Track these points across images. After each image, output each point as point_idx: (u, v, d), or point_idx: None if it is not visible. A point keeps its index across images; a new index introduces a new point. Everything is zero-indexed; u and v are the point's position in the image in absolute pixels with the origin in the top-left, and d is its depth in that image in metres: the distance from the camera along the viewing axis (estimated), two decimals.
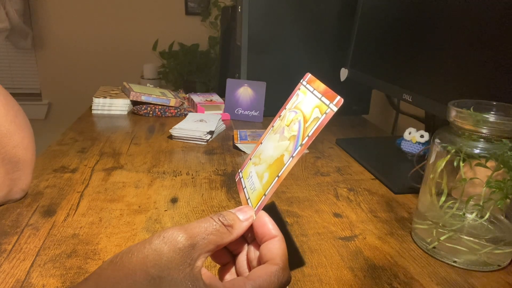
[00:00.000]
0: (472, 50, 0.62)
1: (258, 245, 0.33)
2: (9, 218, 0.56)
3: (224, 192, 0.67)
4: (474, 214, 0.48)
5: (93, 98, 1.14)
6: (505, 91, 0.55)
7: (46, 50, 2.91)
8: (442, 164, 0.49)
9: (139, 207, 0.61)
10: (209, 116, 1.03)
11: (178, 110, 1.14)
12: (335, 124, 1.11)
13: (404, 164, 0.80)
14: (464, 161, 0.47)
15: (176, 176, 0.73)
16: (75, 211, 0.59)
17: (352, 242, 0.54)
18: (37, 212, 0.58)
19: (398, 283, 0.46)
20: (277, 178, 0.34)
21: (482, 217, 0.48)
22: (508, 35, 0.55)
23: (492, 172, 0.45)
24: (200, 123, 0.96)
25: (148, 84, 1.40)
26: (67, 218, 0.57)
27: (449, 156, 0.48)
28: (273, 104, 1.09)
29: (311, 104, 0.36)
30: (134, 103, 1.17)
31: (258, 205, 0.34)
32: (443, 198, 0.50)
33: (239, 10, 1.11)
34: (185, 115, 1.14)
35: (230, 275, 0.35)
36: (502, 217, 0.49)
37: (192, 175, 0.74)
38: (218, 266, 0.37)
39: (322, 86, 0.36)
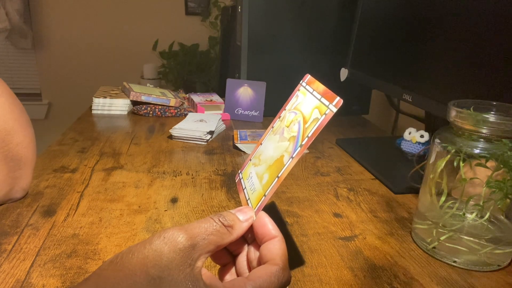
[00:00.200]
0: (472, 50, 0.62)
1: (258, 246, 0.33)
2: (9, 218, 0.56)
3: (224, 192, 0.67)
4: (474, 214, 0.48)
5: (93, 98, 1.14)
6: (505, 91, 0.55)
7: (46, 50, 2.91)
8: (442, 164, 0.49)
9: (139, 207, 0.61)
10: (209, 116, 1.03)
11: (178, 110, 1.14)
12: (335, 124, 1.11)
13: (404, 164, 0.80)
14: (464, 161, 0.47)
15: (176, 176, 0.73)
16: (75, 211, 0.59)
17: (352, 242, 0.54)
18: (37, 212, 0.58)
19: (398, 283, 0.46)
20: (277, 178, 0.34)
21: (482, 217, 0.48)
22: (508, 35, 0.55)
23: (492, 172, 0.45)
24: (200, 123, 0.96)
25: (148, 84, 1.40)
26: (67, 218, 0.57)
27: (449, 156, 0.48)
28: (273, 104, 1.09)
29: (310, 105, 0.36)
30: (134, 103, 1.17)
31: (258, 205, 0.34)
32: (443, 198, 0.50)
33: (239, 10, 1.11)
34: (185, 115, 1.14)
35: (230, 276, 0.35)
36: (502, 217, 0.49)
37: (192, 175, 0.74)
38: (218, 266, 0.37)
39: (321, 87, 0.36)
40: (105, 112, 1.14)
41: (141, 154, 0.83)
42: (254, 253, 0.34)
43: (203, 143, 0.92)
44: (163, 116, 1.14)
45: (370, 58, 0.95)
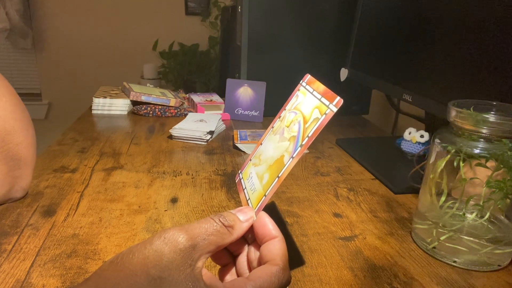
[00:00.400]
0: (472, 50, 0.62)
1: (258, 246, 0.33)
2: (9, 218, 0.56)
3: (224, 192, 0.67)
4: (474, 214, 0.48)
5: (93, 98, 1.14)
6: (505, 91, 0.55)
7: (46, 50, 2.91)
8: (442, 164, 0.49)
9: (139, 207, 0.61)
10: (209, 116, 1.03)
11: (178, 110, 1.14)
12: (335, 124, 1.11)
13: (404, 164, 0.80)
14: (464, 161, 0.47)
15: (176, 176, 0.73)
16: (75, 211, 0.59)
17: (352, 242, 0.54)
18: (37, 212, 0.58)
19: (398, 283, 0.46)
20: (277, 178, 0.34)
21: (482, 217, 0.48)
22: (509, 35, 0.55)
23: (492, 172, 0.45)
24: (200, 123, 0.96)
25: (148, 84, 1.40)
26: (67, 218, 0.57)
27: (449, 156, 0.48)
28: (273, 104, 1.09)
29: (310, 104, 0.36)
30: (134, 103, 1.17)
31: (258, 205, 0.34)
32: (443, 198, 0.50)
33: (239, 10, 1.11)
34: (185, 115, 1.14)
35: (231, 276, 0.35)
36: (502, 217, 0.49)
37: (192, 175, 0.74)
38: (218, 266, 0.37)
39: (321, 87, 0.36)
40: (105, 112, 1.14)
41: (141, 154, 0.83)
42: (254, 253, 0.34)
43: (203, 143, 0.92)
44: (163, 116, 1.14)
45: (370, 58, 0.95)
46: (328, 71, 1.15)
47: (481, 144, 0.46)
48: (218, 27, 2.90)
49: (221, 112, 1.15)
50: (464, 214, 0.49)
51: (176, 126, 0.93)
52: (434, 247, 0.51)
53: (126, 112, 1.15)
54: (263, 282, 0.29)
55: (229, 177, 0.74)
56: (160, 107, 1.14)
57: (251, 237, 0.35)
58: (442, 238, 0.49)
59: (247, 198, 0.37)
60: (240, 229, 0.32)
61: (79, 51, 2.94)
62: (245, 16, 1.08)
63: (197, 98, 1.21)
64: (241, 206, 0.36)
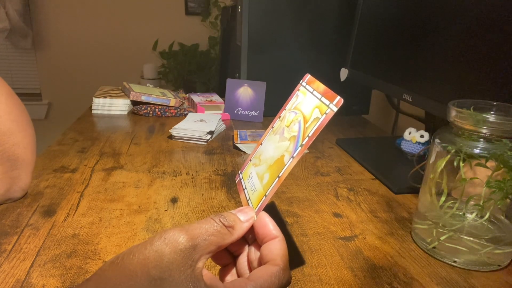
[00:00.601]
0: (472, 50, 0.62)
1: (258, 246, 0.33)
2: (9, 218, 0.56)
3: (224, 192, 0.67)
4: (474, 214, 0.48)
5: (93, 98, 1.14)
6: (505, 91, 0.55)
7: (46, 50, 2.91)
8: (442, 164, 0.49)
9: (139, 207, 0.61)
10: (209, 116, 1.03)
11: (178, 110, 1.14)
12: (335, 124, 1.11)
13: (404, 164, 0.80)
14: (464, 161, 0.47)
15: (176, 176, 0.73)
16: (75, 211, 0.59)
17: (352, 242, 0.54)
18: (37, 212, 0.58)
19: (398, 283, 0.46)
20: (277, 178, 0.34)
21: (482, 217, 0.48)
22: (508, 35, 0.55)
23: (492, 172, 0.45)
24: (200, 123, 0.96)
25: (148, 84, 1.40)
26: (67, 218, 0.57)
27: (449, 156, 0.48)
28: (273, 104, 1.08)
29: (311, 104, 0.36)
30: (134, 103, 1.17)
31: (258, 206, 0.34)
32: (443, 198, 0.50)
33: (239, 10, 1.11)
34: (185, 115, 1.14)
35: (231, 276, 0.35)
36: (502, 217, 0.49)
37: (192, 175, 0.74)
38: (218, 267, 0.37)
39: (321, 86, 0.36)
40: (105, 112, 1.14)
41: (141, 154, 0.83)
42: (254, 254, 0.34)
43: (203, 143, 0.92)
44: (163, 116, 1.14)
45: (370, 58, 0.95)
46: (328, 71, 1.15)
47: (481, 144, 0.46)
48: (218, 27, 2.90)
49: (221, 112, 1.15)
50: (464, 214, 0.49)
51: (176, 126, 0.93)
52: (434, 247, 0.51)
53: (126, 112, 1.15)
54: (263, 282, 0.29)
55: (229, 177, 0.74)
56: (160, 107, 1.14)
57: (251, 237, 0.35)
58: (442, 238, 0.49)
59: (248, 198, 0.37)
60: (240, 229, 0.32)
61: (79, 51, 2.94)
62: (245, 16, 1.08)
63: (197, 98, 1.21)
64: (242, 206, 0.36)
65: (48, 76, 2.97)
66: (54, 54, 2.92)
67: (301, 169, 0.79)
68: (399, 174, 0.74)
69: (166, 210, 0.60)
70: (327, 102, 0.33)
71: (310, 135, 0.33)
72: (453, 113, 0.48)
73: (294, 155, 0.34)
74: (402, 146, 0.84)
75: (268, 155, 0.38)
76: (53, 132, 1.63)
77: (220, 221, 0.31)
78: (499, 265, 0.48)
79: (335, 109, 0.32)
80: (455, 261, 0.49)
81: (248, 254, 0.35)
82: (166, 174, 0.74)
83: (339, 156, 0.87)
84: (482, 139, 0.46)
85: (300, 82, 0.40)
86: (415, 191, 0.68)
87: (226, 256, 0.35)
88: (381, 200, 0.67)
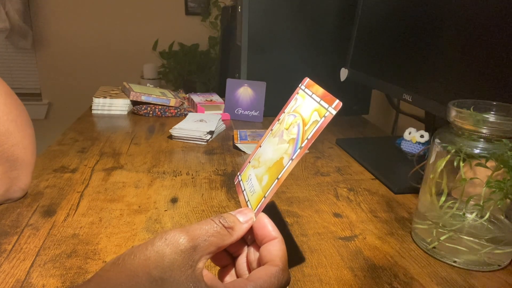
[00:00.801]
0: (472, 50, 0.62)
1: (258, 247, 0.34)
2: (9, 218, 0.56)
3: (224, 192, 0.67)
4: (474, 214, 0.48)
5: (93, 98, 1.14)
6: (505, 91, 0.55)
7: (46, 50, 2.91)
8: (442, 164, 0.49)
9: (139, 207, 0.61)
10: (209, 116, 1.03)
11: (178, 110, 1.15)
12: (335, 124, 1.11)
13: (404, 164, 0.80)
14: (464, 161, 0.47)
15: (176, 176, 0.73)
16: (75, 211, 0.59)
17: (352, 242, 0.54)
18: (37, 212, 0.58)
19: (398, 283, 0.46)
20: (276, 180, 0.34)
21: (482, 217, 0.48)
22: (508, 35, 0.55)
23: (492, 172, 0.45)
24: (200, 123, 0.96)
25: (148, 84, 1.40)
26: (67, 218, 0.57)
27: (449, 156, 0.48)
28: (273, 104, 1.09)
29: (310, 107, 0.36)
30: (134, 103, 1.17)
31: (258, 207, 0.35)
32: (443, 198, 0.50)
33: (239, 10, 1.11)
34: (185, 115, 1.14)
35: (230, 277, 0.35)
36: (502, 217, 0.49)
37: (192, 175, 0.74)
38: (217, 268, 0.37)
39: (320, 90, 0.36)
40: (105, 112, 1.14)
41: (141, 154, 0.83)
42: (254, 255, 0.34)
43: (203, 143, 0.92)
44: (163, 116, 1.14)
45: (370, 58, 0.95)
46: (328, 71, 1.15)
47: (481, 144, 0.46)
48: (218, 27, 2.90)
49: (221, 112, 1.15)
50: (464, 214, 0.49)
51: (176, 126, 0.93)
52: (434, 247, 0.51)
53: (126, 112, 1.15)
54: (263, 283, 0.29)
55: (229, 177, 0.74)
56: (160, 107, 1.14)
57: (250, 238, 0.35)
58: (442, 238, 0.49)
59: (247, 200, 0.37)
60: (240, 231, 0.32)
61: (79, 51, 2.94)
62: (245, 16, 1.08)
63: (197, 98, 1.21)
64: (241, 207, 0.36)
65: (48, 76, 2.97)
66: (54, 54, 2.92)
67: (301, 169, 0.79)
68: (399, 174, 0.74)
69: (166, 210, 0.60)
70: (326, 105, 0.34)
71: (309, 137, 0.33)
72: (453, 113, 0.48)
73: (293, 157, 0.34)
74: (402, 146, 0.84)
75: (267, 157, 0.38)
76: (53, 132, 1.63)
77: (220, 222, 0.31)
78: (499, 265, 0.48)
79: (334, 112, 0.32)
80: (455, 261, 0.49)
81: (247, 255, 0.35)
82: (166, 174, 0.74)
83: (339, 156, 0.87)
84: (482, 139, 0.46)
85: (299, 85, 0.41)
86: (415, 191, 0.68)
87: (225, 257, 0.35)
88: (381, 200, 0.67)
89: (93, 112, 1.14)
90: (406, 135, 0.83)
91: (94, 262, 0.47)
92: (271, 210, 0.62)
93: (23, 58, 2.93)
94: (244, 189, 0.39)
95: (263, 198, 0.35)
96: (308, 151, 0.89)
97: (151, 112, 1.13)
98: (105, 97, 1.14)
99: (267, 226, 0.33)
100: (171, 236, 0.28)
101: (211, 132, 0.93)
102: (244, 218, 0.33)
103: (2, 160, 0.56)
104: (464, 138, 0.47)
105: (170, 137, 0.94)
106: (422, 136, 0.80)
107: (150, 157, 0.82)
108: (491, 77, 0.58)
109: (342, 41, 1.12)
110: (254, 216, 0.34)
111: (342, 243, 0.53)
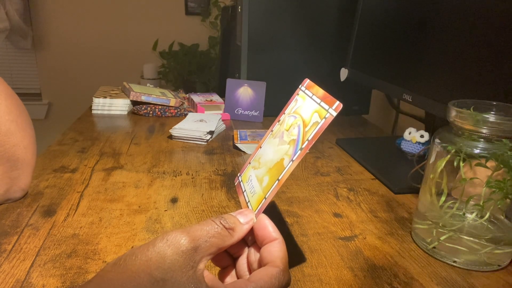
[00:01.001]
0: (472, 50, 0.62)
1: (258, 248, 0.34)
2: (9, 218, 0.56)
3: (224, 192, 0.67)
4: (474, 214, 0.48)
5: (93, 98, 1.14)
6: (505, 91, 0.55)
7: (46, 50, 2.91)
8: (442, 164, 0.49)
9: (139, 207, 0.61)
10: (209, 116, 1.03)
11: (178, 110, 1.15)
12: (335, 124, 1.10)
13: (404, 164, 0.80)
14: (464, 161, 0.47)
15: (176, 176, 0.73)
16: (75, 211, 0.59)
17: (352, 242, 0.54)
18: (37, 212, 0.58)
19: (398, 283, 0.46)
20: (277, 181, 0.35)
21: (482, 217, 0.48)
22: (508, 35, 0.55)
23: (492, 172, 0.45)
24: (200, 123, 0.96)
25: (148, 84, 1.40)
26: (67, 218, 0.57)
27: (449, 156, 0.48)
28: (273, 104, 1.09)
29: (310, 109, 0.36)
30: (134, 103, 1.17)
31: (258, 208, 0.35)
32: (443, 198, 0.50)
33: (239, 10, 1.11)
34: (185, 115, 1.14)
35: (231, 278, 0.35)
36: (502, 217, 0.49)
37: (192, 175, 0.74)
38: (218, 268, 0.37)
39: (321, 91, 0.36)
40: (105, 112, 1.14)
41: (141, 154, 0.83)
42: (254, 255, 0.34)
43: (203, 143, 0.92)
44: (163, 116, 1.14)
45: (370, 58, 0.95)
46: (328, 71, 1.15)
47: (481, 144, 0.46)
48: (218, 27, 2.90)
49: (221, 112, 1.15)
50: (464, 214, 0.49)
51: (176, 126, 0.93)
52: (434, 247, 0.51)
53: (126, 112, 1.15)
54: (263, 284, 0.29)
55: (229, 177, 0.74)
56: (160, 107, 1.14)
57: (251, 239, 0.35)
58: (442, 238, 0.49)
59: (247, 201, 0.37)
60: (240, 231, 0.32)
61: (79, 51, 2.94)
62: (245, 16, 1.08)
63: (197, 98, 1.21)
64: (241, 208, 0.36)
65: (48, 76, 2.97)
66: (54, 54, 2.92)
67: (301, 169, 0.79)
68: (399, 174, 0.74)
69: (166, 210, 0.60)
70: (326, 106, 0.34)
71: (309, 139, 0.34)
72: (453, 113, 0.48)
73: (293, 159, 0.34)
74: (402, 146, 0.84)
75: (268, 158, 0.38)
76: (53, 132, 1.63)
77: (221, 223, 0.31)
78: (499, 265, 0.48)
79: (334, 114, 0.33)
80: (455, 261, 0.49)
81: (247, 256, 0.35)
82: (166, 174, 0.74)
83: (339, 156, 0.87)
84: (482, 139, 0.46)
85: (299, 86, 0.41)
86: (415, 191, 0.68)
87: (226, 258, 0.35)
88: (381, 200, 0.67)
89: (93, 112, 1.14)
90: (406, 135, 0.83)
91: (94, 262, 0.47)
92: (271, 210, 0.62)
93: (23, 58, 2.93)
94: (245, 190, 0.39)
95: (264, 199, 0.35)
96: (308, 151, 0.88)
97: (151, 112, 1.13)
98: (105, 97, 1.14)
99: (268, 227, 0.33)
100: (172, 237, 0.28)
101: (211, 132, 0.93)
102: (244, 219, 0.33)
103: (3, 160, 0.56)
104: (464, 138, 0.47)
105: (170, 137, 0.94)
106: (422, 136, 0.80)
107: (150, 157, 0.82)
108: (491, 77, 0.58)
109: (342, 41, 1.13)
110: (254, 217, 0.34)
111: (342, 243, 0.53)
